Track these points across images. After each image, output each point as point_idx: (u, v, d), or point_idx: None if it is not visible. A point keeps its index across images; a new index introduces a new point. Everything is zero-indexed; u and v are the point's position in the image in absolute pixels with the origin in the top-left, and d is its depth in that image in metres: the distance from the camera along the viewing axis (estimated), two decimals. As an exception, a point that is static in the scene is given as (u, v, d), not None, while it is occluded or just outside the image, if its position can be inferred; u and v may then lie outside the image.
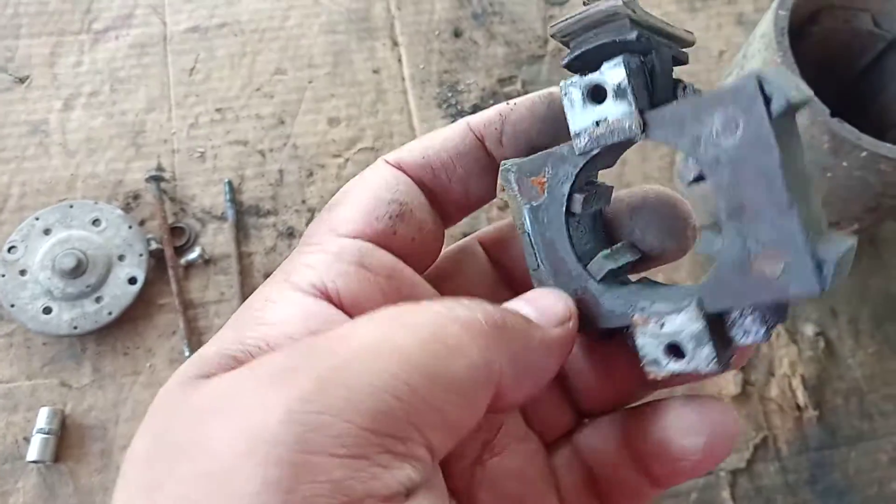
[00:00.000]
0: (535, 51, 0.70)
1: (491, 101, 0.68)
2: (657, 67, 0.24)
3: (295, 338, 0.22)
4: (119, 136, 0.65)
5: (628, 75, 0.23)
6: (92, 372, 0.57)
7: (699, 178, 0.22)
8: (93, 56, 0.67)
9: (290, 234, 0.62)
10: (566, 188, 0.25)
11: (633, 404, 0.28)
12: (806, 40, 0.52)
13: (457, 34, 0.71)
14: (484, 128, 0.27)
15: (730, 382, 0.59)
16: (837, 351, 0.61)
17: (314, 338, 0.21)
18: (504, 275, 0.30)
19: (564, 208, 0.25)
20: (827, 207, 0.50)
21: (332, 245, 0.25)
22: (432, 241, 0.27)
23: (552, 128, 0.27)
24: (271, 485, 0.17)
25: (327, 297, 0.24)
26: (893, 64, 0.55)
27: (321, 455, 0.18)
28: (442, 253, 0.29)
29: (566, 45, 0.25)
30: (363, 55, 0.69)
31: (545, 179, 0.26)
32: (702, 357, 0.23)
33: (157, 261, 0.60)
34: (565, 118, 0.25)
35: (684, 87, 0.24)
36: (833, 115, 0.43)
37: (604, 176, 0.27)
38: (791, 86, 0.20)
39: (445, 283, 0.28)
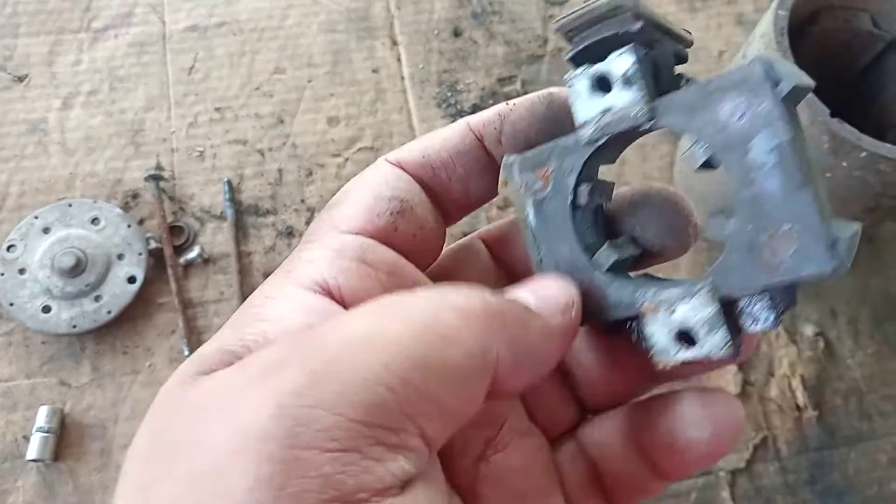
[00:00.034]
0: (534, 50, 0.70)
1: (490, 101, 0.68)
2: (660, 61, 0.24)
3: (293, 331, 0.22)
4: (118, 135, 0.65)
5: (637, 61, 0.23)
6: (91, 371, 0.57)
7: (707, 165, 0.23)
8: (92, 55, 0.67)
9: (290, 234, 0.62)
10: (572, 179, 0.25)
11: (637, 399, 0.28)
12: (805, 40, 0.52)
13: (456, 33, 0.71)
14: (483, 127, 0.27)
15: (729, 382, 0.59)
16: (837, 351, 0.61)
17: (307, 331, 0.21)
18: (506, 272, 0.30)
19: (570, 200, 0.25)
20: (826, 207, 0.50)
21: (333, 241, 0.25)
22: (434, 239, 0.28)
23: (551, 127, 0.27)
24: (263, 481, 0.17)
25: (328, 293, 0.24)
26: (893, 64, 0.55)
27: (311, 450, 0.17)
28: (444, 251, 0.29)
29: (569, 40, 0.25)
30: (362, 54, 0.69)
31: (550, 171, 0.25)
32: (715, 342, 0.22)
33: (156, 260, 0.60)
34: (564, 118, 0.25)
35: (687, 80, 0.24)
36: (833, 115, 0.43)
37: (603, 175, 0.27)
38: (795, 72, 0.21)
39: (447, 280, 0.28)
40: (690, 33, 0.26)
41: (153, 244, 0.59)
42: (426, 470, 0.20)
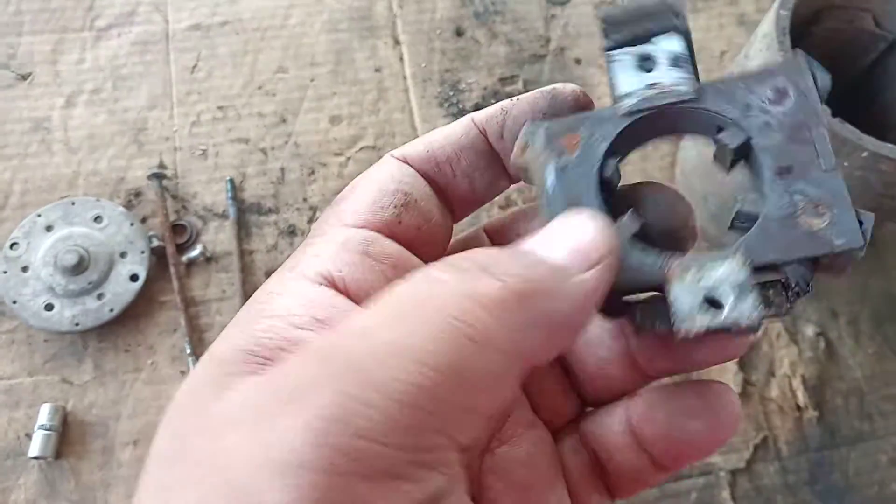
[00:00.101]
0: (536, 50, 0.70)
1: (492, 101, 0.68)
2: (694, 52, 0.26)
3: (301, 327, 0.22)
4: (121, 134, 0.65)
5: (687, 45, 0.25)
6: (93, 369, 0.57)
7: (733, 162, 0.25)
8: (95, 53, 0.68)
9: (292, 233, 0.62)
10: (603, 147, 0.25)
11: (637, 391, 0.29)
12: (807, 40, 0.52)
13: (458, 33, 0.71)
14: (486, 122, 0.27)
15: (730, 382, 0.59)
16: (838, 351, 0.61)
17: (328, 338, 0.20)
18: None
19: (598, 166, 0.25)
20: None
21: (338, 235, 0.25)
22: (439, 233, 0.28)
23: None
24: None
25: (333, 286, 0.24)
26: (894, 64, 0.55)
27: (348, 476, 0.17)
28: (450, 243, 0.29)
29: (609, 28, 0.26)
30: (365, 54, 0.69)
31: (579, 138, 0.25)
32: (744, 307, 0.22)
33: (158, 258, 0.60)
34: (567, 114, 0.26)
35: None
36: (834, 115, 0.43)
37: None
38: (822, 69, 0.24)
39: None
40: None
41: (156, 242, 0.59)
42: (457, 478, 0.20)
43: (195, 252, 0.60)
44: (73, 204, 0.60)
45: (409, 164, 0.27)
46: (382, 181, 0.26)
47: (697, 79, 0.25)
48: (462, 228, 0.30)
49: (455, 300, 0.19)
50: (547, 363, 0.24)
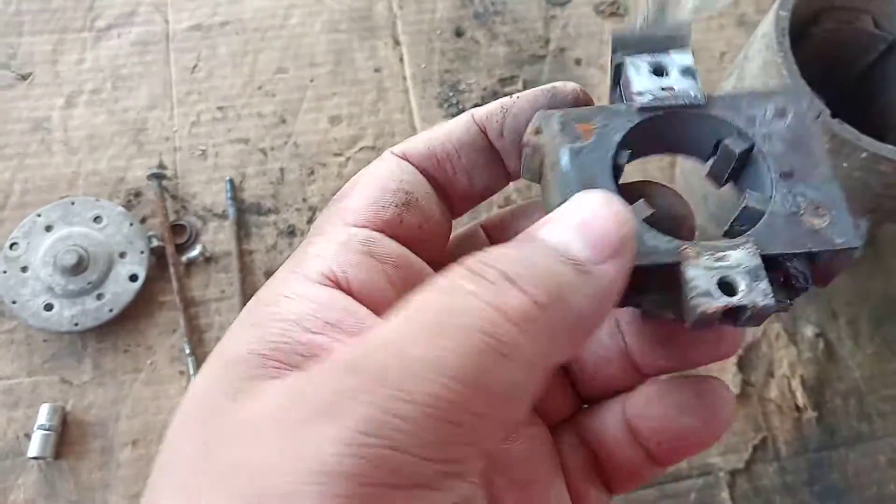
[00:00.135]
0: (536, 51, 0.70)
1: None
2: None
3: (314, 331, 0.22)
4: (121, 134, 0.65)
5: (693, 60, 0.28)
6: (93, 369, 0.57)
7: (729, 178, 0.27)
8: (95, 53, 0.68)
9: (291, 233, 0.62)
10: (617, 137, 0.26)
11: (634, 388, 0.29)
12: (807, 41, 0.52)
13: (458, 34, 0.71)
14: (486, 120, 0.27)
15: (729, 382, 0.59)
16: (837, 352, 0.61)
17: (356, 349, 0.20)
18: None
19: (613, 153, 0.26)
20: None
21: (339, 234, 0.25)
22: (439, 231, 0.28)
23: None
24: None
25: (337, 286, 0.24)
26: (894, 65, 0.55)
27: (382, 487, 0.18)
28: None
29: (619, 46, 0.28)
30: (365, 54, 0.69)
31: (594, 127, 0.26)
32: (759, 290, 0.23)
33: (158, 258, 0.60)
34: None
35: None
36: (833, 115, 0.43)
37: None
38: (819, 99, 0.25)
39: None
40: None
41: (155, 242, 0.59)
42: (480, 481, 0.20)
43: (195, 252, 0.60)
44: (73, 204, 0.60)
45: (408, 160, 0.27)
46: (383, 179, 0.26)
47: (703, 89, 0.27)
48: (459, 224, 0.30)
49: (484, 315, 0.19)
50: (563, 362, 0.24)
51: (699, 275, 0.23)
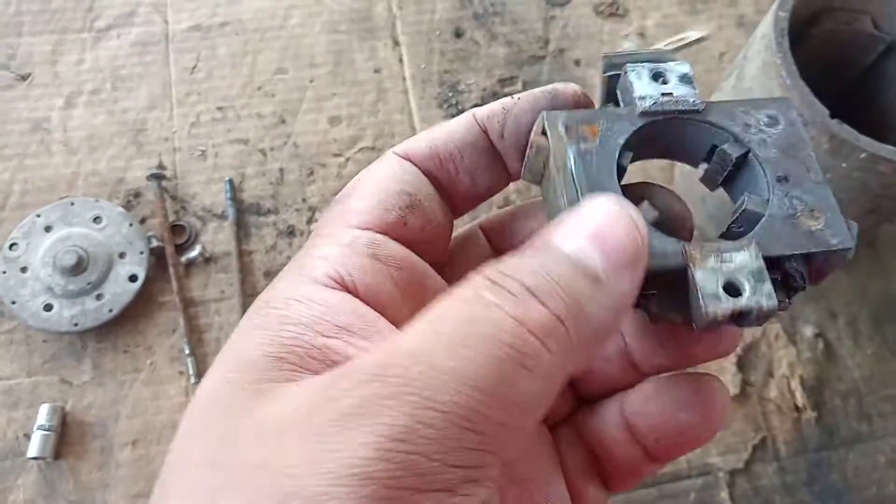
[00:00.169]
0: (535, 51, 0.71)
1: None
2: None
3: (327, 335, 0.22)
4: (120, 134, 0.65)
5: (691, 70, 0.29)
6: (92, 369, 0.57)
7: (724, 183, 0.28)
8: (95, 54, 0.68)
9: (291, 233, 0.62)
10: (621, 140, 0.26)
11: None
12: (806, 42, 0.52)
13: (458, 34, 0.71)
14: (487, 119, 0.27)
15: (728, 383, 0.59)
16: (836, 352, 0.61)
17: (381, 358, 0.20)
18: None
19: (617, 155, 0.26)
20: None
21: (344, 236, 0.25)
22: (442, 232, 0.28)
23: None
24: None
25: (345, 289, 0.24)
26: (893, 66, 0.55)
27: (409, 491, 0.18)
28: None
29: (611, 66, 0.29)
30: (364, 55, 0.69)
31: (599, 129, 0.27)
32: (763, 292, 0.23)
33: (157, 259, 0.60)
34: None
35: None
36: (832, 116, 0.44)
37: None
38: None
39: (448, 269, 0.29)
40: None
41: (154, 243, 0.59)
42: (497, 485, 0.21)
43: (194, 252, 0.60)
44: (73, 204, 0.60)
45: (411, 161, 0.27)
46: (386, 181, 0.26)
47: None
48: (459, 224, 0.30)
49: (507, 327, 0.20)
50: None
51: (707, 277, 0.24)
